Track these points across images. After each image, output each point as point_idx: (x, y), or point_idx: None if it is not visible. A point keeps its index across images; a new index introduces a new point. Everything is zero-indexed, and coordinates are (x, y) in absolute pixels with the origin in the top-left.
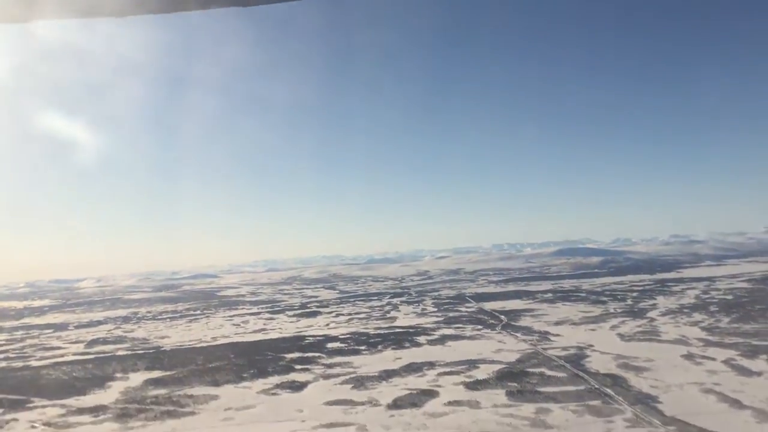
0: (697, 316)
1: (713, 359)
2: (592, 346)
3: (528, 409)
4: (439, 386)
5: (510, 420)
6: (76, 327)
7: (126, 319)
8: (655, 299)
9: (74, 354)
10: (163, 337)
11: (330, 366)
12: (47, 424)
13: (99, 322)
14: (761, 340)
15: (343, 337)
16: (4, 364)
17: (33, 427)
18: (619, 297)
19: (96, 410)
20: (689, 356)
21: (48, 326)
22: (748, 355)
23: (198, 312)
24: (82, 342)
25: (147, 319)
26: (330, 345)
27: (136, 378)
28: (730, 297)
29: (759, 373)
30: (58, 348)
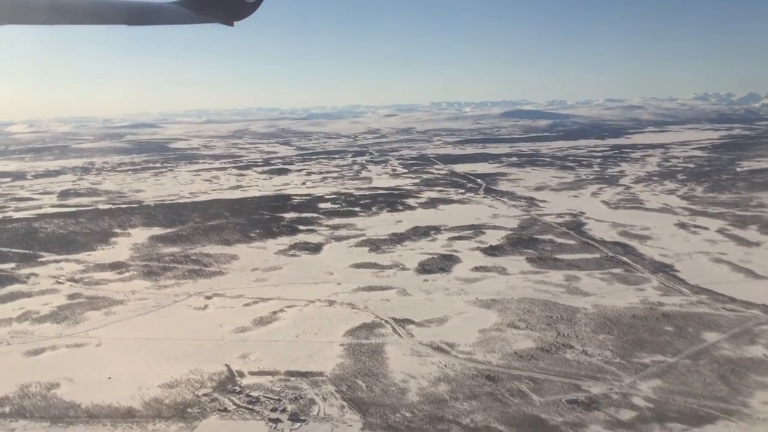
0: (669, 185)
1: (706, 228)
2: (584, 213)
3: (557, 276)
4: (456, 251)
5: (545, 287)
6: (35, 177)
7: (85, 170)
8: (620, 166)
9: (51, 206)
10: (137, 191)
11: (335, 227)
12: (72, 280)
13: (57, 172)
14: (743, 211)
15: (329, 197)
16: None
17: (58, 282)
18: (584, 163)
19: (116, 267)
20: (682, 225)
21: (2, 174)
22: (738, 225)
23: (159, 165)
24: (51, 193)
25: (107, 171)
26: (322, 206)
27: (139, 234)
28: (692, 165)
29: (757, 244)
30: (30, 199)
